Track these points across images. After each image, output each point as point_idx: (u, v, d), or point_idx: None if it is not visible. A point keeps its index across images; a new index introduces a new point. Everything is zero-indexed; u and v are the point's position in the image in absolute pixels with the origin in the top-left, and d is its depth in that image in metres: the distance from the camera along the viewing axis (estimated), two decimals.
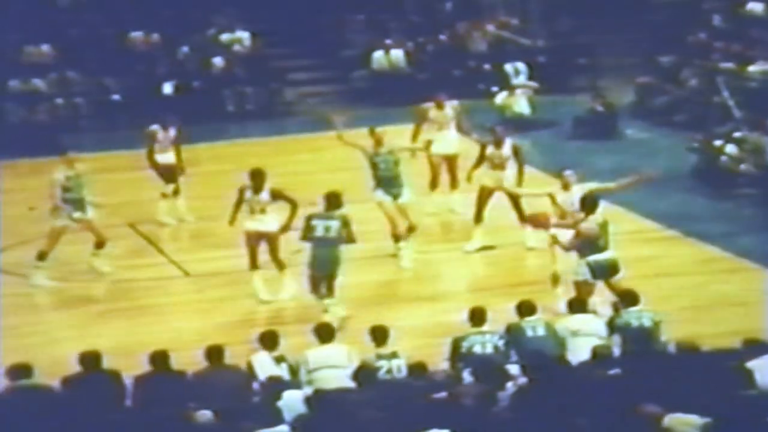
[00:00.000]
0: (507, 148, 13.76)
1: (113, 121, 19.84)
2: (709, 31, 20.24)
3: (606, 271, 11.41)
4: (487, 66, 21.12)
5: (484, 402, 8.38)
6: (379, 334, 9.89)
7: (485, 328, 10.08)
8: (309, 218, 11.94)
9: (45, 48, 20.39)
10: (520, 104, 19.55)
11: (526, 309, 10.31)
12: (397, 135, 18.16)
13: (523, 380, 8.94)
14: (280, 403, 8.62)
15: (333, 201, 12.00)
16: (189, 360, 9.74)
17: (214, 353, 9.52)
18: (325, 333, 9.92)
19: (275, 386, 8.99)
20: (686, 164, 16.40)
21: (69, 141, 18.99)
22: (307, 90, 21.27)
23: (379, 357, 9.74)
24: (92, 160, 18.30)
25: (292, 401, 8.61)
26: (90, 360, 9.42)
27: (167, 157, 14.97)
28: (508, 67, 20.57)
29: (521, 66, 20.59)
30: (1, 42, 19.96)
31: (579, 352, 9.77)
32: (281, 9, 21.48)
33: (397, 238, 13.43)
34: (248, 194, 12.43)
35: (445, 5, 22.35)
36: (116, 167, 17.81)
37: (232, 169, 17.37)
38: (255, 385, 9.30)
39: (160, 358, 9.41)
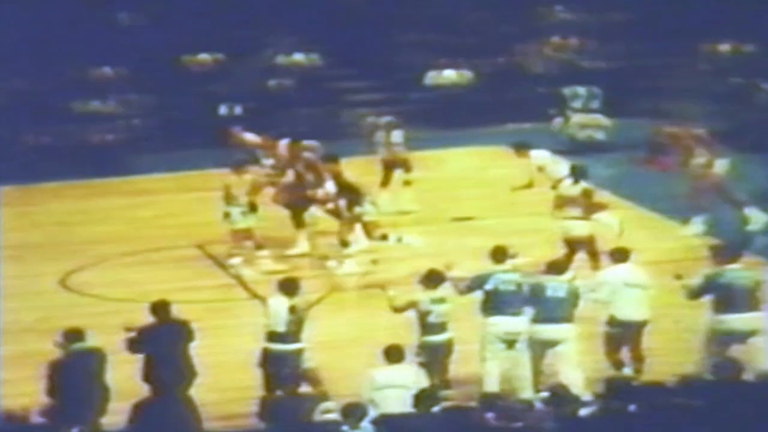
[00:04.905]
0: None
1: (171, 142, 19.91)
2: None
3: None
4: (544, 89, 20.99)
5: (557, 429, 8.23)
6: (435, 277, 10.56)
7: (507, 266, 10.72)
8: None
9: (107, 70, 20.54)
10: (580, 129, 19.41)
11: (554, 268, 10.89)
12: (453, 158, 18.23)
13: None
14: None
15: None
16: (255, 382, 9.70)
17: None
18: (393, 354, 9.98)
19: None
20: None
21: (129, 162, 19.16)
22: (363, 111, 21.25)
23: (432, 301, 10.42)
24: (151, 181, 18.48)
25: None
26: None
27: None
28: (567, 91, 20.44)
29: (581, 89, 20.45)
30: (66, 64, 20.14)
31: (626, 303, 10.77)
32: (339, 31, 21.50)
33: None
34: None
35: (504, 27, 22.26)
36: (175, 188, 17.87)
37: None
38: None
39: None
